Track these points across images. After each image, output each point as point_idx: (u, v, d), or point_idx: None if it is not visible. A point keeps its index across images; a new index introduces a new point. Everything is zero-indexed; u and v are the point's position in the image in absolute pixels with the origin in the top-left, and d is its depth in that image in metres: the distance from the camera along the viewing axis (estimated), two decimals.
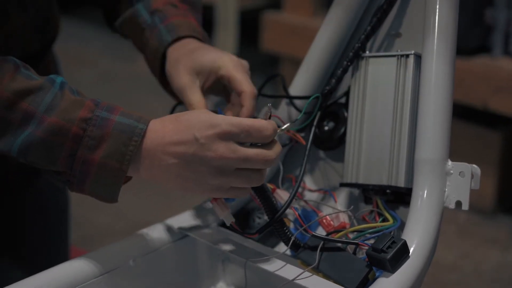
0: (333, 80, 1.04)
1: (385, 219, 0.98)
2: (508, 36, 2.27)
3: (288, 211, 0.99)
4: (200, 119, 0.86)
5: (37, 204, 1.32)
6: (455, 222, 2.39)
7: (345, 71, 1.04)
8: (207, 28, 1.13)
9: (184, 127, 0.85)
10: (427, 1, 0.99)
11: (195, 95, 1.02)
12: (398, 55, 1.00)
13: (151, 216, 2.10)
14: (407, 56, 0.99)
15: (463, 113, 2.43)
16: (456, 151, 2.40)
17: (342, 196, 1.07)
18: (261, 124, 0.86)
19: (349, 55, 1.03)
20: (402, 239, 0.89)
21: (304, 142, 1.03)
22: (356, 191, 1.05)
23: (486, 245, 2.28)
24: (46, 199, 1.35)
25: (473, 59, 2.30)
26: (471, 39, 2.30)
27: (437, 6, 0.98)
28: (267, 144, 0.87)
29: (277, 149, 0.88)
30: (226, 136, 0.84)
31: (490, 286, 2.09)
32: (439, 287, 2.09)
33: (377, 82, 1.02)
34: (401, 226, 0.96)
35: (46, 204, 1.34)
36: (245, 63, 1.04)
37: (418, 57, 0.99)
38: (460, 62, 2.30)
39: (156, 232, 1.02)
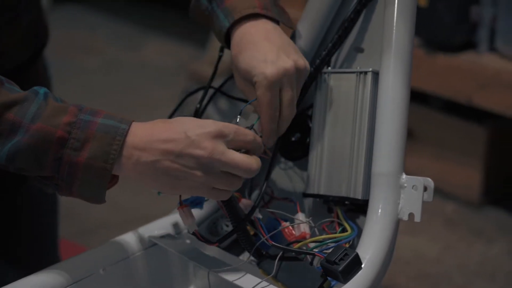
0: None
1: (344, 229, 1.02)
2: (493, 32, 2.29)
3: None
4: (191, 121, 0.90)
5: (30, 203, 1.35)
6: (442, 214, 2.42)
7: (306, 87, 1.07)
8: None
9: (175, 126, 0.89)
10: (385, 20, 1.02)
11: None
12: (357, 72, 1.04)
13: (147, 209, 2.11)
14: (365, 73, 1.03)
15: (450, 108, 2.46)
16: (443, 145, 2.45)
17: (307, 205, 1.10)
18: (247, 130, 0.92)
19: (311, 71, 1.06)
20: (354, 251, 0.93)
21: (269, 156, 1.07)
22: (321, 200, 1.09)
23: (471, 238, 2.31)
24: (38, 197, 1.37)
25: (459, 55, 2.32)
26: (457, 36, 2.31)
27: (394, 25, 1.01)
28: (250, 154, 0.92)
29: (259, 162, 0.92)
30: (216, 135, 0.88)
31: (472, 279, 2.12)
32: (421, 279, 2.12)
33: (338, 97, 1.05)
34: (360, 234, 1.00)
35: (38, 202, 1.37)
36: (286, 72, 0.97)
37: (376, 74, 1.03)
38: (446, 58, 2.33)
39: (127, 241, 1.06)
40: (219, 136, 0.89)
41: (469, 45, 2.34)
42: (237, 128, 0.90)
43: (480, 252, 2.25)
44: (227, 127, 0.89)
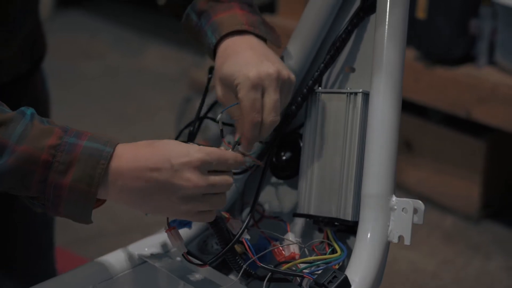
0: (287, 116, 1.07)
1: (334, 250, 1.01)
2: (493, 46, 2.28)
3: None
4: (175, 147, 0.90)
5: (25, 212, 1.36)
6: (440, 228, 2.41)
7: (299, 107, 1.07)
8: None
9: (160, 153, 0.90)
10: (375, 40, 1.02)
11: (233, 109, 1.00)
12: (347, 93, 1.03)
13: (144, 219, 2.11)
14: (356, 94, 1.02)
15: (449, 121, 2.45)
16: (442, 158, 2.45)
17: (298, 225, 1.10)
18: (229, 155, 0.92)
19: (303, 91, 1.06)
20: (343, 274, 0.93)
21: (261, 164, 1.07)
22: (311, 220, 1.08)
23: (469, 252, 2.30)
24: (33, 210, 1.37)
25: (458, 68, 2.31)
26: (456, 49, 2.30)
27: (384, 46, 1.01)
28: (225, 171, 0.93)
29: (231, 175, 0.94)
30: (200, 165, 0.89)
31: None
32: None
33: (328, 117, 1.05)
34: (350, 254, 0.99)
35: (33, 215, 1.37)
36: (270, 77, 0.97)
37: (367, 95, 1.02)
38: (444, 71, 2.32)
39: (116, 258, 1.06)
40: (203, 165, 0.90)
41: (468, 58, 2.33)
42: (219, 155, 0.91)
43: (477, 267, 2.24)
44: (211, 154, 0.90)
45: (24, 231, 1.37)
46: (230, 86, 0.99)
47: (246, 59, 0.98)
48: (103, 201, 0.93)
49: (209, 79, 1.07)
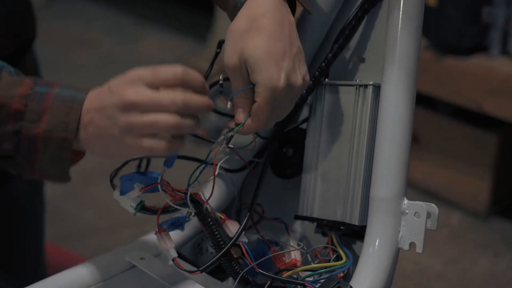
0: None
1: (339, 257, 0.97)
2: (506, 35, 2.25)
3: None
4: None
5: (12, 210, 1.34)
6: (448, 226, 2.39)
7: (304, 99, 1.01)
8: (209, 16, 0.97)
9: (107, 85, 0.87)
10: (388, 27, 0.96)
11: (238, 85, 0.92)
12: (356, 85, 0.97)
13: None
14: (366, 86, 0.97)
15: (458, 113, 2.43)
16: (450, 152, 2.43)
17: (299, 227, 1.05)
18: (170, 67, 0.85)
19: (309, 83, 1.00)
20: (348, 285, 0.88)
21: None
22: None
23: (477, 251, 2.28)
24: (21, 205, 1.36)
25: (469, 58, 2.29)
26: (467, 38, 2.28)
27: (398, 33, 0.95)
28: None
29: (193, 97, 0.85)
30: (134, 79, 0.84)
31: None
32: None
33: (335, 111, 0.99)
34: (356, 261, 0.94)
35: (21, 205, 1.36)
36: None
37: (377, 88, 0.96)
38: (455, 62, 2.30)
39: (103, 263, 1.00)
40: (137, 79, 0.84)
41: (480, 48, 2.31)
42: (154, 69, 0.84)
43: (485, 267, 2.22)
44: (148, 68, 0.84)
45: (10, 224, 1.35)
46: (250, 70, 0.89)
47: (278, 54, 0.88)
48: (81, 156, 0.90)
49: (217, 54, 0.99)
